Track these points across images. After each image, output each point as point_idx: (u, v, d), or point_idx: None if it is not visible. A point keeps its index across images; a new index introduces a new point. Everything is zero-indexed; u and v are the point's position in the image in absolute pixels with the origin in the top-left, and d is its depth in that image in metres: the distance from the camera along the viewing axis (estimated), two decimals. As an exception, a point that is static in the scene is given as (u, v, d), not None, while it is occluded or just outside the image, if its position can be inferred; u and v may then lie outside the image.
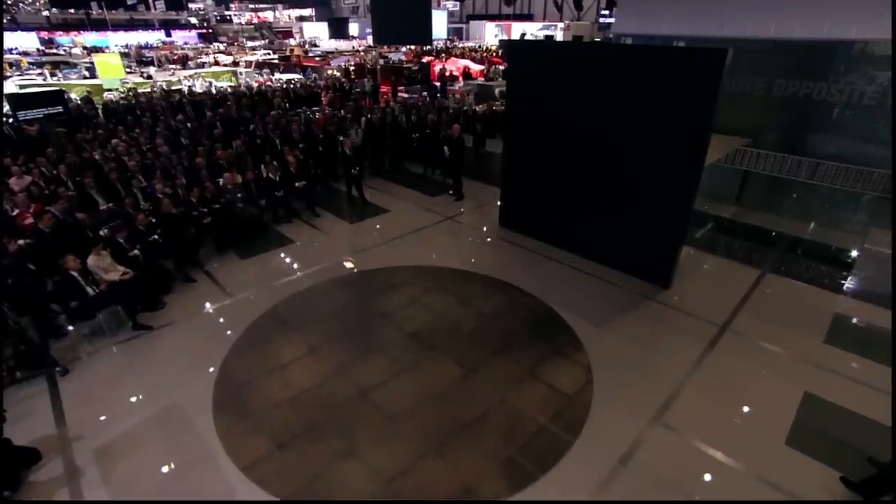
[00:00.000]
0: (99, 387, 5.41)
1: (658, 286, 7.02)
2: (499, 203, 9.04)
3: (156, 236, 7.21)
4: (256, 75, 25.20)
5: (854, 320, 6.46)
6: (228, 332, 6.19)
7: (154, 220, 7.37)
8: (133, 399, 5.25)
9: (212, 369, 5.59)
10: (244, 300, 6.94)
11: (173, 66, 29.48)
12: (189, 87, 19.84)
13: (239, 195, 8.73)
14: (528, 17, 47.56)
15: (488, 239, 8.70)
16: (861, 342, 5.95)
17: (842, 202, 8.99)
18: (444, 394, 5.23)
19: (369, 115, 11.89)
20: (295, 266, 7.80)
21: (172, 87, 19.27)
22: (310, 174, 9.98)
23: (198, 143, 11.12)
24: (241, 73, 23.36)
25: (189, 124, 12.60)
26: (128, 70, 24.98)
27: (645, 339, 6.01)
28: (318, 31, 51.84)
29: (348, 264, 7.81)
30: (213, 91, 18.21)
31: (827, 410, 5.00)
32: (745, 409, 5.02)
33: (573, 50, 7.06)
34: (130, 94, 17.39)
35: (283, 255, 8.23)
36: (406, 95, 20.04)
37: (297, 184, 9.45)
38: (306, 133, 10.91)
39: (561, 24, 41.78)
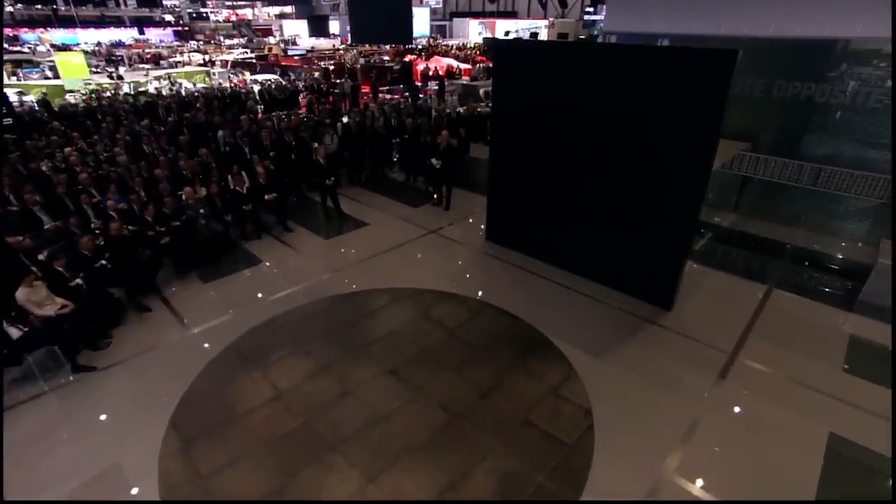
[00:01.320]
0: (26, 447, 4.65)
1: (659, 307, 6.47)
2: (486, 215, 8.41)
3: (103, 261, 6.43)
4: (231, 76, 24.19)
5: (872, 343, 5.97)
6: (183, 373, 5.46)
7: (102, 243, 6.59)
8: (67, 460, 4.51)
9: (161, 419, 4.87)
10: (204, 332, 6.21)
11: (145, 66, 28.22)
12: (157, 88, 18.80)
13: (201, 210, 7.96)
14: (512, 14, 47.06)
15: (475, 255, 8.07)
16: (882, 370, 5.45)
17: (847, 210, 8.54)
18: (427, 445, 4.59)
19: (345, 119, 11.12)
20: (262, 290, 7.07)
21: (141, 89, 18.23)
22: (281, 185, 9.23)
23: (164, 150, 10.31)
24: (214, 74, 22.32)
25: (155, 129, 11.75)
26: (95, 70, 23.77)
27: (648, 372, 5.44)
28: (298, 29, 50.66)
29: (321, 287, 7.11)
30: (183, 93, 17.23)
31: (857, 455, 4.48)
32: (766, 457, 4.46)
33: (567, 50, 6.47)
34: (93, 96, 16.35)
35: (249, 277, 7.49)
36: (389, 97, 19.32)
37: (266, 196, 8.71)
38: (277, 140, 10.14)
39: (545, 22, 41.34)
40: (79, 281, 5.97)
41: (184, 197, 7.90)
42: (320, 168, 9.00)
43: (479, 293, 6.88)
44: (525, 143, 7.19)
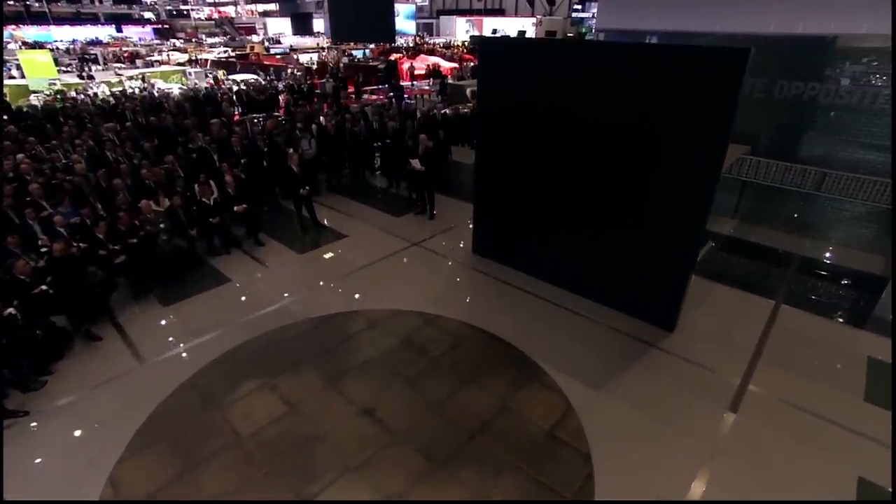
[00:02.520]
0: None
1: (661, 328, 5.95)
2: (472, 227, 7.83)
3: (44, 286, 5.74)
4: (210, 75, 23.30)
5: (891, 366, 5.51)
6: (130, 416, 4.81)
7: (43, 265, 5.90)
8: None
9: (99, 477, 4.22)
10: (160, 365, 5.56)
11: (120, 65, 27.17)
12: (127, 89, 17.89)
13: (162, 225, 7.27)
14: (499, 12, 46.54)
15: (461, 270, 7.48)
16: (906, 398, 4.98)
17: (853, 216, 8.10)
18: (404, 496, 4.00)
19: (322, 122, 10.45)
20: (227, 314, 6.42)
21: (111, 90, 17.32)
22: (252, 195, 8.56)
23: (128, 157, 9.58)
24: (190, 74, 21.42)
25: (121, 133, 10.98)
26: (65, 69, 22.74)
27: (652, 405, 4.90)
28: (283, 27, 49.59)
29: (292, 310, 6.48)
30: (155, 94, 16.40)
31: (888, 506, 3.98)
32: (788, 508, 3.95)
33: (560, 49, 5.90)
34: (58, 97, 15.45)
35: (215, 298, 6.83)
36: (374, 97, 18.66)
37: (235, 208, 8.03)
38: (249, 145, 9.45)
39: (532, 20, 40.87)
40: (11, 311, 5.26)
41: (142, 210, 7.20)
42: (293, 176, 8.34)
43: (466, 315, 6.29)
44: (514, 148, 6.61)
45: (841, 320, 6.27)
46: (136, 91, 17.17)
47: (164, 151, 9.56)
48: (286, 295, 6.82)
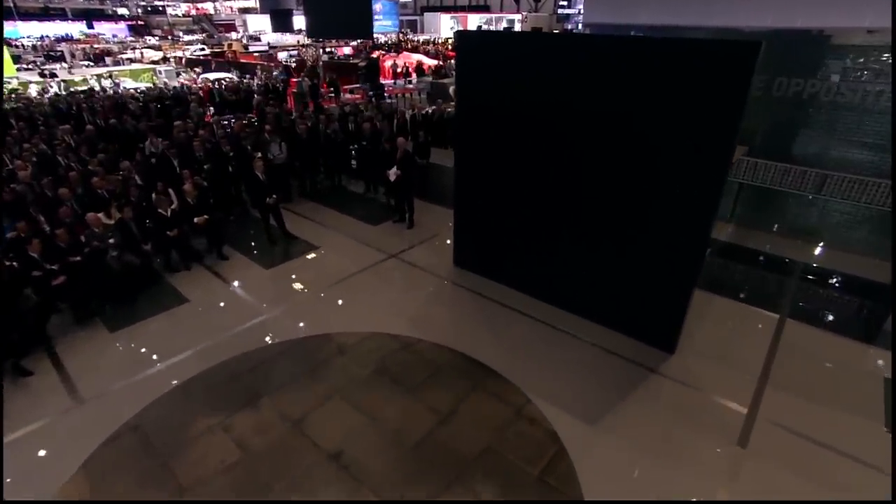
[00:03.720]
0: None
1: (660, 350, 5.47)
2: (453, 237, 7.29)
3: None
4: (184, 74, 22.43)
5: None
6: (55, 471, 4.18)
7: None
8: None
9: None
10: (99, 403, 4.93)
11: (86, 63, 26.10)
12: (88, 88, 16.98)
13: (111, 240, 6.61)
14: (484, 9, 46.07)
15: (441, 286, 6.93)
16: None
17: (857, 220, 7.70)
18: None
19: (296, 123, 9.82)
20: (181, 340, 5.80)
21: (74, 89, 16.41)
22: (214, 205, 7.93)
23: (83, 163, 8.87)
24: (160, 72, 20.54)
25: (77, 137, 10.22)
26: (26, 67, 21.69)
27: (653, 443, 4.41)
28: (264, 25, 48.53)
29: (254, 334, 5.88)
30: (120, 93, 15.57)
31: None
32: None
33: (547, 43, 5.35)
34: (12, 96, 14.55)
35: (169, 321, 6.20)
36: (351, 97, 18.01)
37: (196, 219, 7.39)
38: (213, 150, 8.79)
39: (518, 16, 40.50)
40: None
41: (89, 223, 6.53)
42: (259, 183, 7.72)
43: (446, 337, 5.75)
44: (496, 151, 6.08)
45: (850, 336, 5.84)
46: (100, 91, 16.28)
47: (124, 157, 8.88)
48: (249, 317, 6.21)
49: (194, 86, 18.28)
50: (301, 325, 6.09)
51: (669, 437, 4.46)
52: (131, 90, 16.44)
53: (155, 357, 5.52)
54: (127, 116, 11.08)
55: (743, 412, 4.74)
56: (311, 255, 7.73)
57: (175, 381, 5.13)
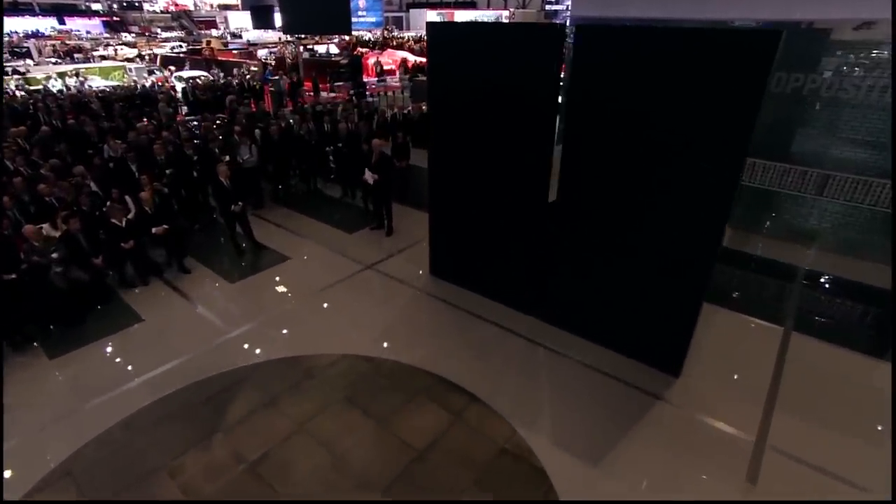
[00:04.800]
0: None
1: (663, 372, 5.03)
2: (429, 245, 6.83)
3: None
4: (157, 72, 21.69)
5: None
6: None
7: None
8: None
9: None
10: (26, 446, 4.38)
11: (53, 60, 25.19)
12: (54, 86, 16.22)
13: (54, 255, 6.04)
14: (471, 5, 45.66)
15: (418, 299, 6.47)
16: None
17: (861, 224, 7.35)
18: None
19: (266, 126, 9.29)
20: (130, 366, 5.28)
21: (30, 87, 15.65)
22: (175, 213, 7.40)
23: (35, 166, 8.26)
24: (130, 70, 19.80)
25: (28, 139, 9.58)
26: (-11, 67, 20.75)
27: (656, 483, 3.99)
28: (246, 21, 47.66)
29: (213, 358, 5.37)
30: (82, 92, 14.86)
31: None
32: None
33: (532, 34, 4.87)
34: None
35: (118, 345, 5.66)
36: (332, 95, 17.48)
37: (154, 229, 6.85)
38: (176, 153, 8.23)
39: (506, 13, 40.18)
40: None
41: (27, 236, 5.96)
42: (223, 190, 7.19)
43: (423, 358, 5.29)
44: (475, 151, 5.65)
45: (861, 350, 5.48)
46: (64, 89, 15.54)
47: (79, 160, 8.29)
48: (210, 338, 5.70)
49: (166, 85, 17.61)
50: (267, 346, 5.59)
51: (676, 477, 4.03)
52: (97, 89, 15.72)
53: (98, 387, 4.99)
54: (85, 117, 10.43)
55: (752, 441, 4.34)
56: (281, 268, 7.22)
57: (117, 417, 4.60)
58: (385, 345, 5.54)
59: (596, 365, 5.19)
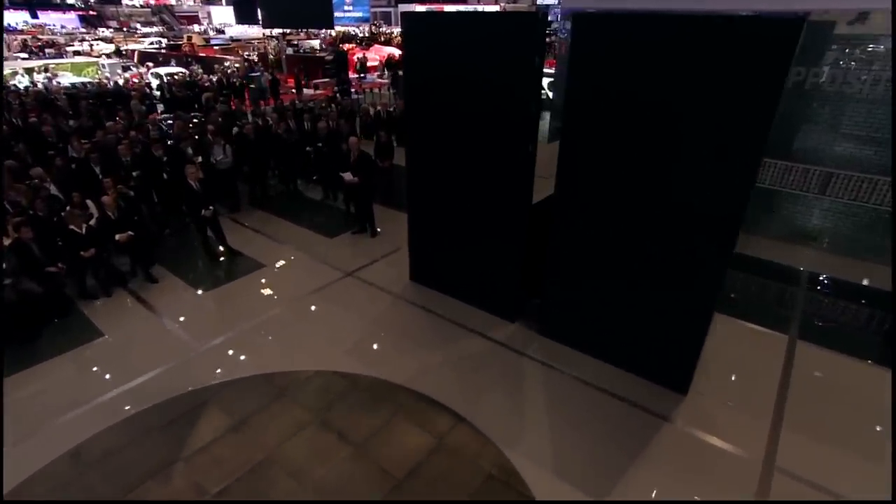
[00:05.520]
0: None
1: (669, 389, 4.75)
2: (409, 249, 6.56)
3: None
4: (133, 69, 21.19)
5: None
6: None
7: None
8: None
9: None
10: (-34, 477, 4.03)
11: (21, 55, 24.55)
12: (18, 83, 15.68)
13: (3, 265, 5.68)
14: (461, 0, 45.38)
15: (398, 308, 6.18)
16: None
17: (866, 223, 7.15)
18: None
19: (241, 126, 8.95)
20: (85, 388, 4.93)
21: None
22: (142, 218, 7.06)
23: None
24: (103, 66, 19.29)
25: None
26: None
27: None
28: (229, 17, 47.01)
29: (175, 378, 5.04)
30: (49, 89, 14.39)
31: None
32: None
33: (517, 20, 4.58)
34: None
35: (72, 364, 5.31)
36: (315, 92, 17.12)
37: (117, 236, 6.50)
38: (143, 154, 7.87)
39: (496, 7, 39.97)
40: None
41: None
42: (192, 193, 6.85)
43: (403, 373, 5.00)
44: (454, 150, 5.39)
45: (869, 360, 5.28)
46: (31, 86, 15.03)
47: (40, 162, 7.92)
48: (175, 354, 5.37)
49: (141, 81, 17.15)
50: (237, 362, 5.28)
51: (679, 504, 3.78)
52: (66, 86, 15.24)
53: (47, 412, 4.64)
54: (48, 115, 10.02)
55: (760, 458, 4.10)
56: (256, 276, 6.90)
57: (63, 447, 4.26)
58: (363, 359, 5.24)
59: (594, 381, 4.91)
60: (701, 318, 4.36)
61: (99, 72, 19.27)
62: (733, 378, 5.01)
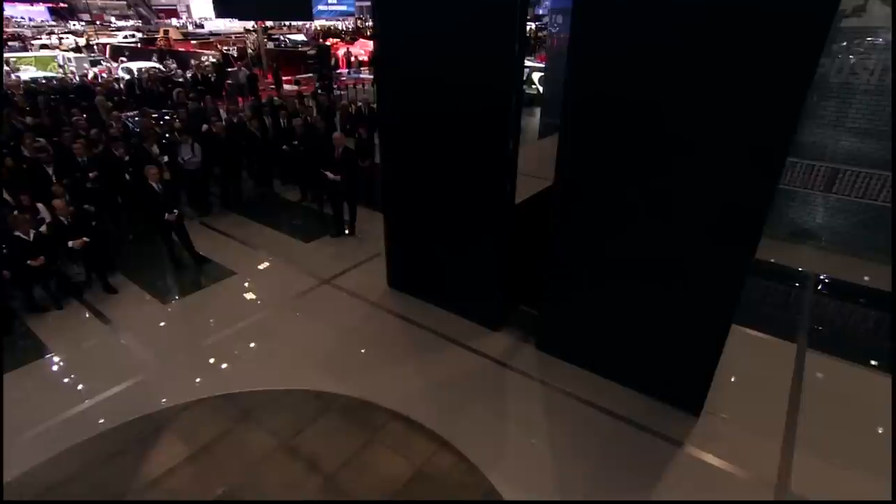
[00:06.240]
0: None
1: (680, 409, 4.44)
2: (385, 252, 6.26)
3: None
4: (103, 63, 20.66)
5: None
6: None
7: None
8: None
9: None
10: None
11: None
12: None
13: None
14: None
15: (376, 317, 5.87)
16: None
17: (875, 222, 6.94)
18: None
19: (211, 123, 8.57)
20: (25, 414, 4.54)
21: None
22: (103, 223, 6.69)
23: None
24: (69, 60, 18.76)
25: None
26: None
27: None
28: (209, 10, 46.40)
29: (129, 400, 4.68)
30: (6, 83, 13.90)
31: None
32: None
33: (485, 3, 4.27)
34: None
35: (10, 387, 4.88)
36: (296, 88, 16.74)
37: (70, 242, 6.12)
38: (102, 154, 7.49)
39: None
40: None
41: None
42: (153, 196, 6.48)
43: (381, 391, 4.69)
44: (431, 146, 5.10)
45: (884, 369, 5.05)
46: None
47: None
48: (130, 373, 5.00)
49: (109, 76, 16.68)
50: (199, 381, 4.93)
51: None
52: (26, 80, 14.74)
53: (-17, 441, 4.26)
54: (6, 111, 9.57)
55: (773, 482, 3.85)
56: (224, 285, 6.54)
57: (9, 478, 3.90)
58: (336, 376, 4.92)
59: (592, 399, 4.62)
60: (717, 330, 4.02)
61: (58, 67, 18.67)
62: (745, 394, 4.74)
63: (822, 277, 6.67)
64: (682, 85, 3.52)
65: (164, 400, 4.66)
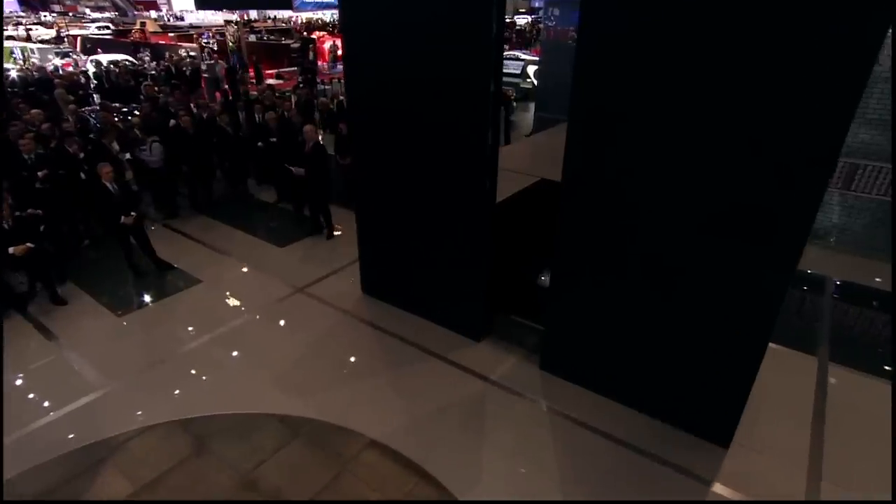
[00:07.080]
0: None
1: (709, 441, 4.05)
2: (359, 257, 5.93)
3: None
4: (72, 55, 20.21)
5: None
6: None
7: None
8: None
9: None
10: None
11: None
12: None
13: None
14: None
15: (350, 329, 5.51)
16: None
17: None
18: None
19: (176, 119, 8.18)
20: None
21: None
22: (53, 227, 6.30)
23: None
24: (32, 52, 18.30)
25: None
26: None
27: None
28: (189, 3, 45.96)
29: (70, 428, 4.27)
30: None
31: None
32: None
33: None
34: None
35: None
36: (278, 82, 16.38)
37: (11, 249, 5.70)
38: (55, 151, 7.07)
39: None
40: None
41: None
42: (108, 196, 6.08)
43: (357, 416, 4.31)
44: (404, 143, 4.79)
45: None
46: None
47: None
48: (73, 396, 4.60)
49: (76, 69, 16.24)
50: (151, 405, 4.52)
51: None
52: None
53: None
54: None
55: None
56: (187, 294, 6.14)
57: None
58: (304, 397, 4.54)
59: (602, 426, 4.23)
60: (751, 352, 3.63)
61: (14, 60, 18.17)
62: (767, 415, 4.37)
63: (837, 283, 6.37)
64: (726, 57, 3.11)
65: (108, 427, 4.26)
